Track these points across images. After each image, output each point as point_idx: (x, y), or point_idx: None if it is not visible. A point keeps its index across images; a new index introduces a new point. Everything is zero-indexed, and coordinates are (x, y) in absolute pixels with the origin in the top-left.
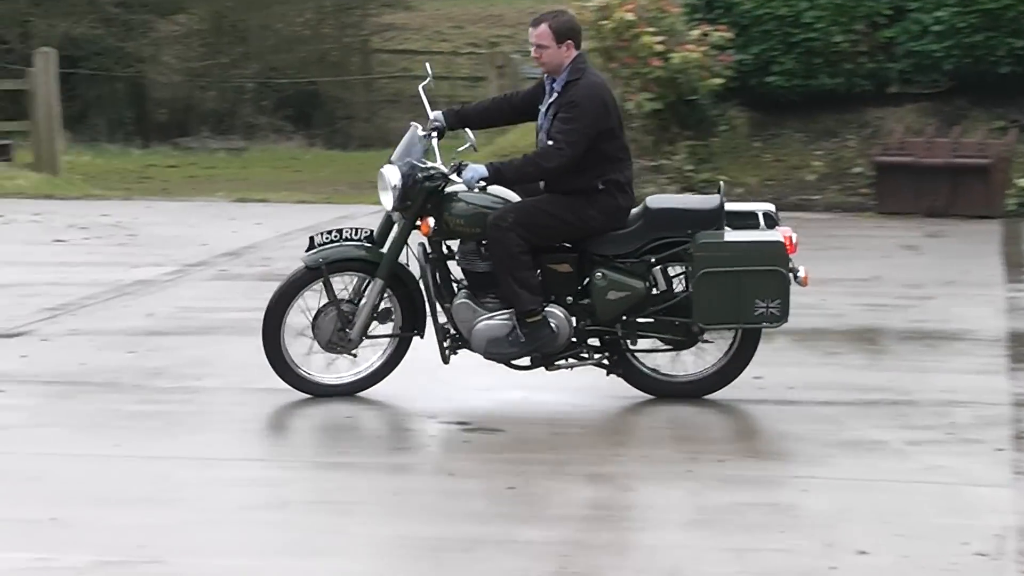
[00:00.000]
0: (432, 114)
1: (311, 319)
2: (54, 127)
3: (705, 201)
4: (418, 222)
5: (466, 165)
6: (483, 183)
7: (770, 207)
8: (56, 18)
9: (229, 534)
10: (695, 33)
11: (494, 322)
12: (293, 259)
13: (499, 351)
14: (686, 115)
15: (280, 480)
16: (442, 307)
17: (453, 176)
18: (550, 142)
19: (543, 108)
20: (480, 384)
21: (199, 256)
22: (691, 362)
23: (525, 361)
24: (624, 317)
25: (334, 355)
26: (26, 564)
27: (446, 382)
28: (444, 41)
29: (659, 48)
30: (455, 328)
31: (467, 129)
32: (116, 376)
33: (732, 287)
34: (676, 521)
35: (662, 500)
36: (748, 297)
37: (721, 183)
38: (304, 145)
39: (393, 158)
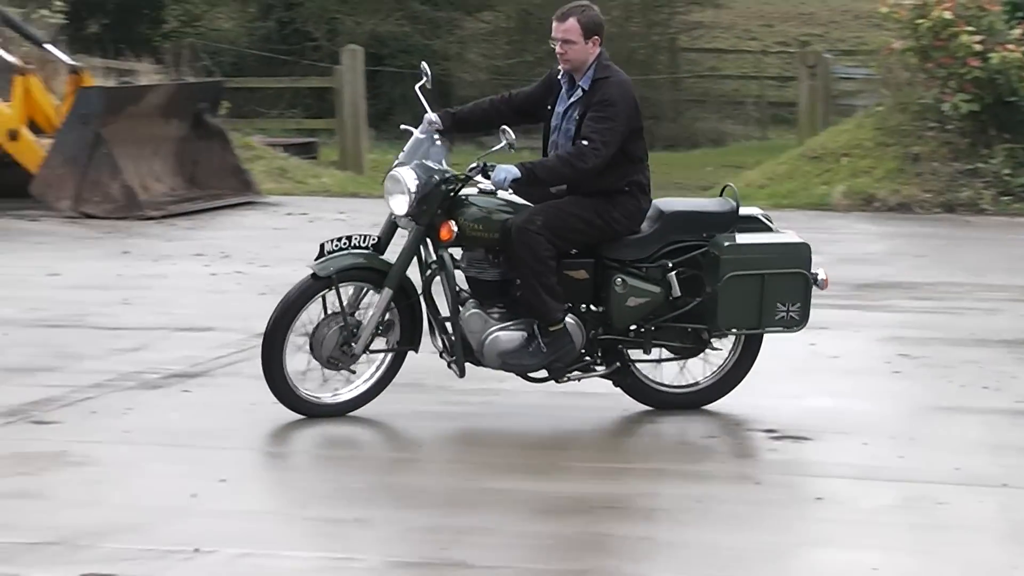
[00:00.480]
0: (428, 116)
1: (310, 332)
2: (360, 125)
3: (719, 204)
4: (423, 228)
5: (492, 166)
6: (514, 185)
7: (758, 210)
8: (363, 15)
9: (531, 539)
10: (1016, 32)
11: (509, 333)
12: None
13: (519, 362)
14: (1005, 117)
15: (581, 485)
16: (435, 320)
17: (478, 178)
18: (584, 142)
19: (560, 108)
20: (788, 391)
21: None
22: (690, 371)
23: (540, 373)
24: (634, 326)
25: (333, 371)
26: (329, 563)
27: (752, 389)
28: (753, 40)
29: (978, 48)
30: (461, 340)
31: (505, 128)
32: (420, 377)
33: (757, 290)
34: (990, 536)
35: (975, 513)
36: (771, 301)
37: (731, 186)
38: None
39: (402, 160)
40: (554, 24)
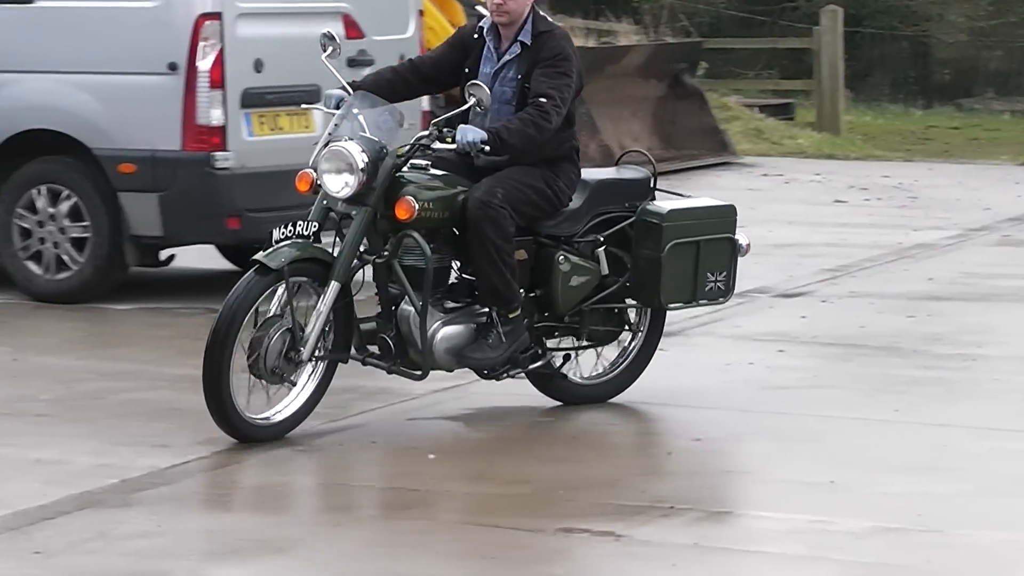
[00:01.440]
0: (332, 92)
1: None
2: (837, 86)
3: (636, 171)
4: (372, 210)
5: (450, 130)
6: (483, 149)
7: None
8: None
9: (1008, 506)
10: None
11: (456, 326)
12: None
13: (482, 356)
14: None
15: None
16: (357, 320)
17: (436, 144)
18: (543, 99)
19: (487, 69)
20: None
21: (981, 220)
22: (596, 360)
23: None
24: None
25: (275, 385)
26: (805, 526)
27: None
28: None
29: None
30: (397, 338)
31: (478, 83)
32: (895, 340)
33: (693, 259)
34: None
35: None
36: (703, 270)
37: (640, 151)
38: None
39: (333, 134)
40: None
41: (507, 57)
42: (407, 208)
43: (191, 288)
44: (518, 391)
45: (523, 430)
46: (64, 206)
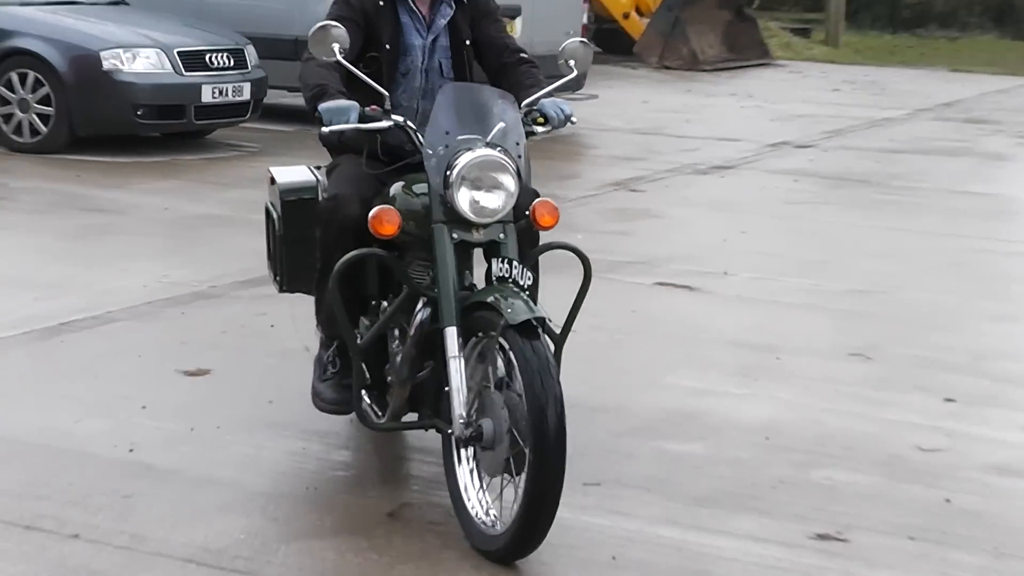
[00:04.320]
0: (343, 103)
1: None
2: (840, 18)
3: None
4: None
5: (536, 108)
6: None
7: None
8: None
9: (935, 278)
10: None
11: None
12: (989, 109)
13: None
14: None
15: None
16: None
17: (537, 128)
18: (524, 54)
19: (422, 40)
20: None
21: (925, 104)
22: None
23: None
24: None
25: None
26: (806, 286)
27: None
28: None
29: None
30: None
31: (585, 43)
32: (867, 176)
33: None
34: None
35: None
36: None
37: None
38: (1005, 37)
39: (470, 135)
40: None
41: (441, 22)
42: (552, 212)
43: None
44: (638, 200)
45: (636, 223)
46: None
